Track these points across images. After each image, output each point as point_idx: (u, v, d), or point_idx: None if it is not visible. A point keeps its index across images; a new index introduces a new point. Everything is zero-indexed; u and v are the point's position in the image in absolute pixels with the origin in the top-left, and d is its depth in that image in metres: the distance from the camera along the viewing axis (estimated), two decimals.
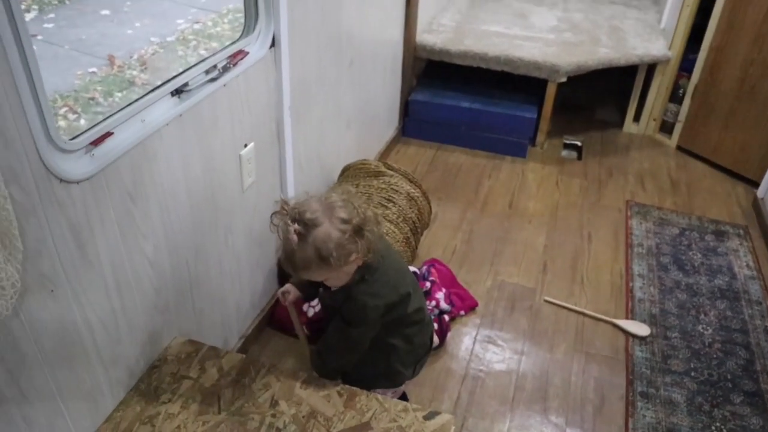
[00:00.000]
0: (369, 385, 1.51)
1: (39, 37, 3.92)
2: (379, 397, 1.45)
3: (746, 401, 1.98)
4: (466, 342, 2.10)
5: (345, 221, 1.32)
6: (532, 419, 1.86)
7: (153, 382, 1.46)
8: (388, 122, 3.09)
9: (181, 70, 1.45)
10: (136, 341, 1.43)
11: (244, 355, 1.59)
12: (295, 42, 1.83)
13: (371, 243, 1.36)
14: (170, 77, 1.41)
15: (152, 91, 1.35)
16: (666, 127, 3.50)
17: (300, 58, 1.89)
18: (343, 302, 1.45)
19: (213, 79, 1.51)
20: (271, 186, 1.91)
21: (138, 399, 1.42)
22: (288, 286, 1.60)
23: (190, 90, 1.44)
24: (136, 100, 1.31)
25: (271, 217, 1.35)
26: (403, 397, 1.78)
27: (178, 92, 1.41)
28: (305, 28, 1.89)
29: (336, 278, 1.41)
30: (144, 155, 1.31)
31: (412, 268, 2.13)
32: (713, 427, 1.89)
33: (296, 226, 1.30)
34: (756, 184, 3.00)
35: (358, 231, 1.33)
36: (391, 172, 2.23)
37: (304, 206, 1.33)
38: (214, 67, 1.53)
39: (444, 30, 3.38)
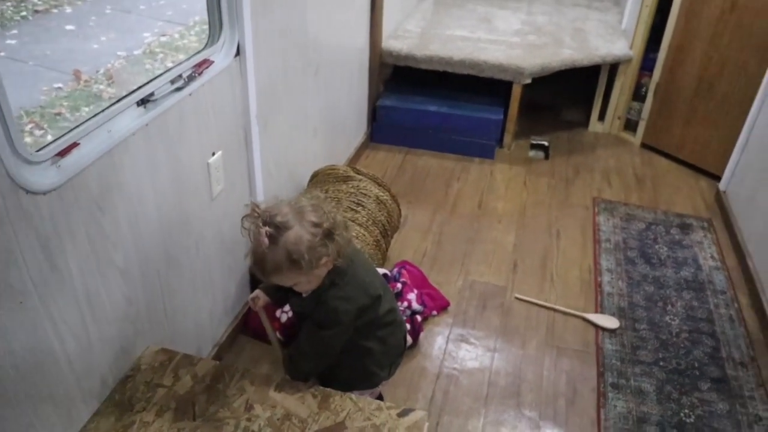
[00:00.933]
0: (346, 387, 1.52)
1: (1, 54, 3.87)
2: (353, 396, 1.46)
3: (713, 387, 2.03)
4: (439, 341, 2.12)
5: (316, 225, 1.34)
6: (506, 414, 1.89)
7: (127, 392, 1.46)
8: (357, 128, 3.12)
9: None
10: (109, 351, 1.43)
11: (217, 362, 1.59)
12: (261, 50, 1.85)
13: (341, 247, 1.38)
14: (136, 88, 1.43)
15: (118, 101, 1.36)
16: (630, 125, 3.58)
17: (265, 66, 1.91)
18: (314, 308, 1.46)
19: (179, 89, 1.53)
20: (240, 193, 1.93)
21: (112, 409, 1.42)
22: (257, 292, 1.60)
23: (155, 100, 1.45)
24: (102, 111, 1.32)
25: (241, 220, 1.36)
26: (380, 398, 1.79)
27: (143, 102, 1.43)
28: (270, 36, 1.92)
29: (306, 282, 1.42)
30: (111, 165, 1.32)
31: (382, 270, 2.15)
32: (682, 414, 1.93)
33: (267, 228, 1.31)
34: (718, 178, 3.08)
35: (329, 235, 1.35)
36: (360, 177, 2.25)
37: (275, 210, 1.34)
38: (180, 76, 1.55)
39: (409, 36, 3.43)
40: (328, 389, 1.48)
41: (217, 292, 1.90)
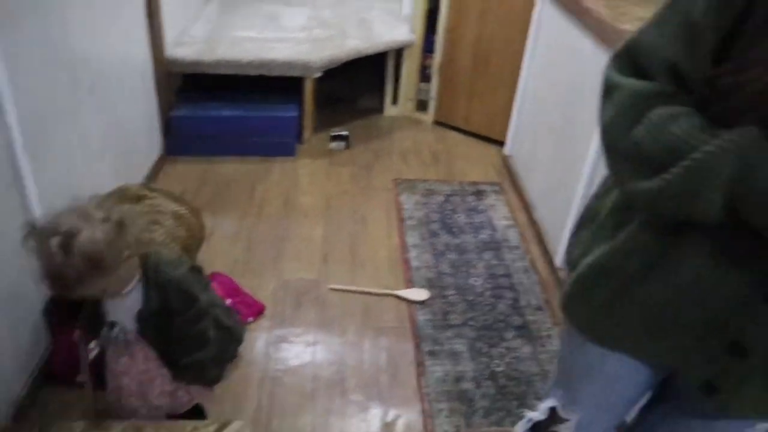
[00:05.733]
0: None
1: None
2: (167, 424, 1.43)
3: (517, 335, 2.24)
4: (259, 346, 2.12)
5: (105, 220, 1.28)
6: (334, 403, 1.95)
7: None
8: (149, 144, 2.99)
9: None
10: None
11: (8, 423, 1.48)
12: (17, 75, 1.71)
13: (136, 236, 1.34)
14: None
15: None
16: (422, 106, 3.80)
17: (26, 91, 1.77)
18: (162, 298, 1.39)
19: None
20: (16, 236, 1.77)
21: None
22: None
23: None
24: None
25: (23, 241, 1.25)
26: (200, 412, 1.73)
27: None
28: (27, 59, 1.78)
29: (116, 282, 1.34)
30: None
31: None
32: (493, 365, 2.11)
33: (56, 238, 1.22)
34: (503, 144, 3.37)
35: (121, 225, 1.30)
36: (154, 194, 2.17)
37: (57, 220, 1.26)
38: None
39: (195, 41, 3.34)
40: (140, 422, 1.43)
41: (5, 346, 1.74)
